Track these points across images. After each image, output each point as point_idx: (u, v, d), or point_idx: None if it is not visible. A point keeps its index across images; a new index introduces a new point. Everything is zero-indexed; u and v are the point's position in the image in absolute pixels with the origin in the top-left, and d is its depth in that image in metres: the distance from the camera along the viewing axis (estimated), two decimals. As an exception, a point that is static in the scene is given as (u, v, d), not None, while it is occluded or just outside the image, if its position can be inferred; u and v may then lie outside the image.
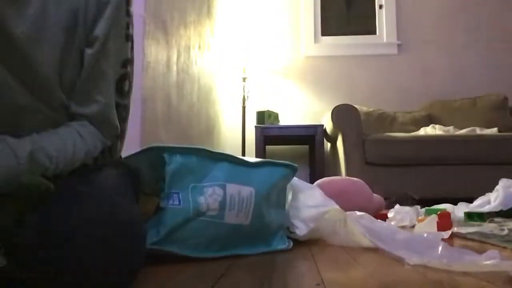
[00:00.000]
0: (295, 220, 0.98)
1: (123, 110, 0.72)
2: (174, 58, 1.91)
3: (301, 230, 0.97)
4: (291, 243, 0.94)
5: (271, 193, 0.90)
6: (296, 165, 0.97)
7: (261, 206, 0.86)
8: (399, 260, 0.76)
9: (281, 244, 0.92)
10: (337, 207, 1.01)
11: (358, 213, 1.02)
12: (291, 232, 0.98)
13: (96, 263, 0.49)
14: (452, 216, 1.23)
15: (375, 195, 1.56)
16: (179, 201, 0.78)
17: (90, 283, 0.49)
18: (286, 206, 0.99)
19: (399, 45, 3.33)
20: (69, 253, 0.48)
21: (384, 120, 2.97)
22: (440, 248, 0.72)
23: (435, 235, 0.85)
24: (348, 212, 1.00)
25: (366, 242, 0.91)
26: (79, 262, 0.48)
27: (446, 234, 1.02)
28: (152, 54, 1.60)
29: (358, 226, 0.93)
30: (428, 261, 0.70)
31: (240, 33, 3.35)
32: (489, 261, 0.66)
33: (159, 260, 0.75)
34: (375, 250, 0.88)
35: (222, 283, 0.60)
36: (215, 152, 0.85)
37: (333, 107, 2.55)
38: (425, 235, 0.85)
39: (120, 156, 0.76)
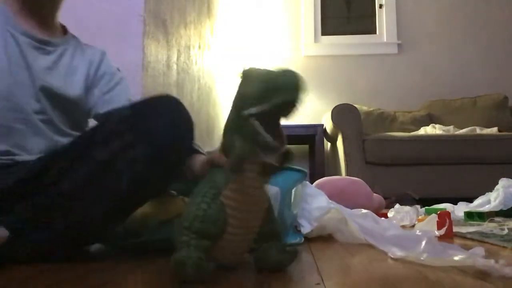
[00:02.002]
0: (301, 219, 1.06)
1: None
2: (174, 57, 1.91)
3: (305, 228, 1.04)
4: (302, 238, 1.02)
5: (288, 193, 0.99)
6: (306, 171, 1.08)
7: (283, 204, 0.96)
8: (397, 259, 0.76)
9: (294, 238, 1.00)
10: (338, 207, 1.06)
11: (363, 210, 1.08)
12: (298, 230, 1.05)
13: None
14: (452, 215, 1.23)
15: (375, 194, 1.56)
16: None
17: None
18: (295, 207, 1.07)
19: (399, 45, 3.33)
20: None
21: (384, 119, 2.97)
22: (423, 243, 0.75)
23: (425, 232, 0.88)
24: (353, 210, 1.07)
25: (364, 239, 0.96)
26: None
27: (440, 232, 1.03)
28: (152, 54, 1.60)
29: (354, 224, 0.99)
30: (407, 254, 0.75)
31: (240, 33, 3.35)
32: (458, 256, 0.68)
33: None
34: (375, 249, 0.88)
35: (222, 283, 0.60)
36: None
37: (333, 106, 2.55)
38: (417, 232, 0.89)
39: None
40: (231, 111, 0.61)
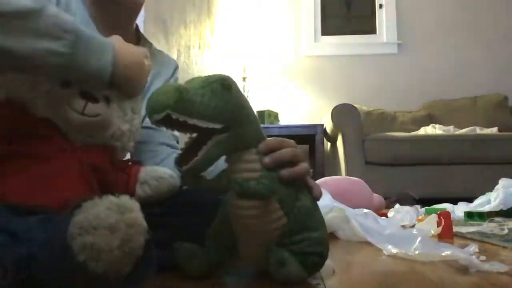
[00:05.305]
0: None
1: None
2: (174, 57, 1.91)
3: None
4: None
5: None
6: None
7: None
8: (395, 258, 0.76)
9: None
10: (341, 207, 1.08)
11: (365, 210, 1.09)
12: None
13: None
14: (452, 215, 1.23)
15: (375, 194, 1.56)
16: None
17: None
18: None
19: (399, 45, 3.33)
20: None
21: (384, 119, 2.97)
22: (417, 241, 0.79)
23: (420, 231, 0.90)
24: (355, 210, 1.08)
25: (364, 237, 0.97)
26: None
27: (435, 231, 1.03)
28: (152, 54, 1.60)
29: (355, 222, 1.01)
30: (399, 251, 0.79)
31: (240, 32, 3.35)
32: (444, 252, 0.73)
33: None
34: (373, 248, 0.88)
35: (223, 283, 0.60)
36: None
37: (333, 106, 2.55)
38: (413, 231, 0.91)
39: None
40: None
